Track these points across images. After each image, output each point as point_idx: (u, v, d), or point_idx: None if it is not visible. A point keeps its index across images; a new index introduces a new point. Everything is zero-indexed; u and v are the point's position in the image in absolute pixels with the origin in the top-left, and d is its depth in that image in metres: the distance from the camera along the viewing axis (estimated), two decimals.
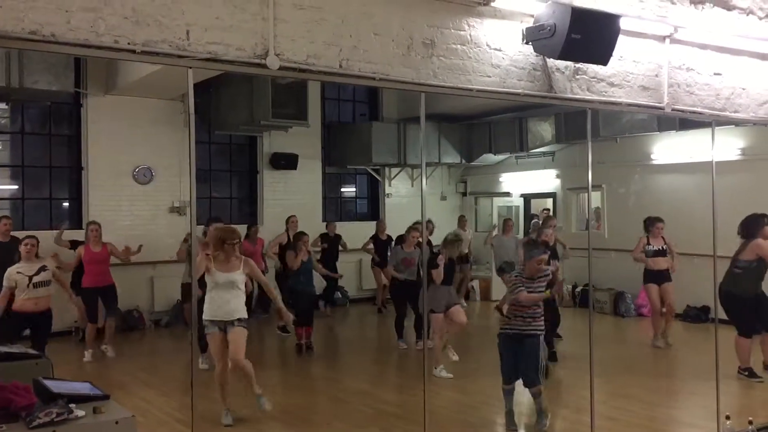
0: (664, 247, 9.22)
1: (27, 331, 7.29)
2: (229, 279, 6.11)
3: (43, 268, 7.12)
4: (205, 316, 6.13)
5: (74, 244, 9.36)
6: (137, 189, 11.07)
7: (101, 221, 9.06)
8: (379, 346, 10.30)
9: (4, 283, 7.03)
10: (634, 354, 9.20)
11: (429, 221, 10.67)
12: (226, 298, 6.10)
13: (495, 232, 12.49)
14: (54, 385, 3.37)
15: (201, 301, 6.76)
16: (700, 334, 9.82)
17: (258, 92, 10.66)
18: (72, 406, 3.18)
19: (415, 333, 9.13)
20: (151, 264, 10.66)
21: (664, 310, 9.69)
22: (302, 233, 9.24)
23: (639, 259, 9.27)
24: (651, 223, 9.27)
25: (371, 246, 12.04)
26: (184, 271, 8.79)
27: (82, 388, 3.53)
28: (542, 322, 5.94)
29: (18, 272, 7.02)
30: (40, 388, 3.33)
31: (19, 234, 8.32)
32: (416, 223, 10.45)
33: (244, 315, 6.19)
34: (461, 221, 12.73)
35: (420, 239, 9.98)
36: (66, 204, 11.22)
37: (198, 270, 5.98)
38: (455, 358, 8.03)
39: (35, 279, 7.02)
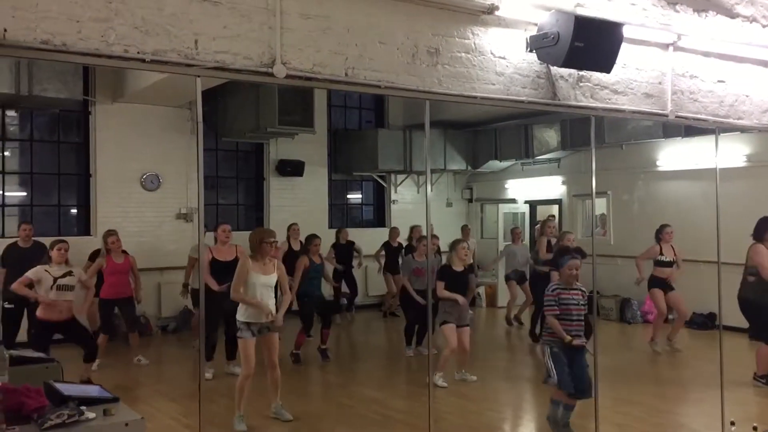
0: (674, 258, 9.24)
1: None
2: (266, 282, 6.21)
3: (69, 273, 7.03)
4: (240, 318, 6.19)
5: (93, 256, 9.31)
6: (145, 195, 11.15)
7: (109, 228, 8.98)
8: (385, 353, 10.32)
9: (28, 274, 6.96)
10: (640, 360, 9.20)
11: (435, 236, 10.69)
12: (264, 301, 6.17)
13: (500, 256, 12.40)
14: (64, 388, 3.43)
15: (215, 306, 6.81)
16: (705, 340, 9.82)
17: (264, 99, 10.73)
18: (83, 408, 3.23)
19: (417, 338, 9.19)
20: (159, 270, 10.73)
21: (671, 317, 9.71)
22: (315, 236, 9.06)
23: (639, 264, 9.29)
24: (661, 230, 9.28)
25: (383, 253, 12.09)
26: (192, 277, 8.78)
27: (92, 390, 3.59)
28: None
29: (45, 270, 6.94)
30: (50, 391, 3.39)
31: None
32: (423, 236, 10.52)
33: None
34: (464, 231, 12.73)
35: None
36: (74, 211, 11.31)
37: (240, 274, 6.13)
38: (474, 378, 7.90)
39: (60, 281, 6.91)
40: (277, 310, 6.27)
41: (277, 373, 6.34)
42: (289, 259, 9.24)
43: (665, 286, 9.14)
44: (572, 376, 5.53)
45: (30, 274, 6.94)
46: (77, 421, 3.15)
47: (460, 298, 7.56)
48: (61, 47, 3.62)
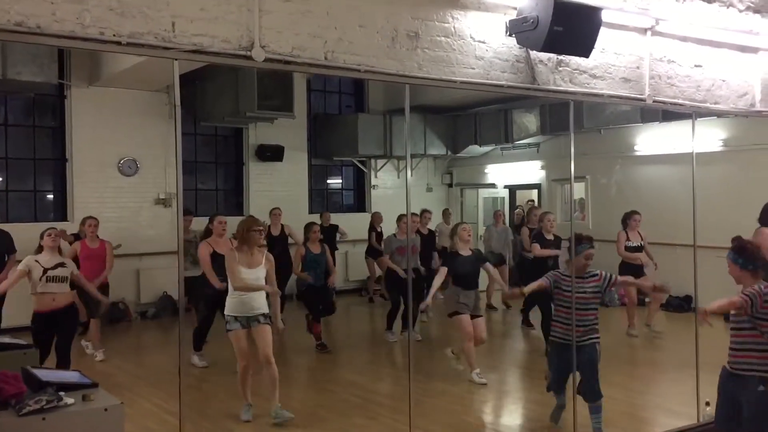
0: (642, 243, 9.33)
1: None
2: (254, 275, 6.01)
3: (61, 264, 6.62)
4: (227, 312, 6.06)
5: (76, 238, 9.04)
6: (122, 181, 11.05)
7: (86, 213, 8.88)
8: (369, 337, 10.34)
9: (19, 266, 6.56)
10: (617, 343, 9.30)
11: (427, 210, 10.69)
12: (251, 294, 6.01)
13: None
14: (43, 374, 3.41)
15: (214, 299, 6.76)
16: (681, 323, 9.95)
17: (243, 84, 10.66)
18: (61, 393, 3.21)
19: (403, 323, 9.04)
20: (137, 256, 10.66)
21: (647, 299, 9.83)
22: (313, 223, 8.85)
23: (625, 256, 9.25)
24: (628, 217, 9.35)
25: (373, 238, 12.01)
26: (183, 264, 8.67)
27: (71, 376, 3.57)
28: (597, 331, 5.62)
29: (36, 260, 6.52)
30: (29, 377, 3.36)
31: (4, 227, 8.28)
32: (425, 210, 10.46)
33: (267, 310, 6.11)
34: (445, 214, 12.80)
35: (419, 226, 9.96)
36: (50, 196, 11.18)
37: (230, 269, 5.94)
38: (461, 368, 7.47)
39: (50, 273, 6.48)
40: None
41: (273, 369, 5.98)
42: (270, 245, 9.06)
43: (636, 270, 9.21)
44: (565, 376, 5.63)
45: (21, 266, 6.53)
46: (56, 407, 3.14)
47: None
48: (36, 29, 3.55)
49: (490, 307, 11.20)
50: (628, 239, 9.30)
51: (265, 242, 6.25)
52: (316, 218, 11.81)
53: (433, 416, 6.20)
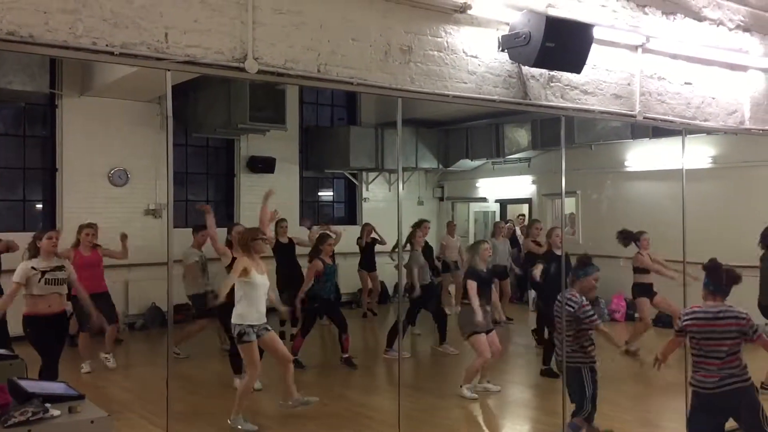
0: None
1: None
2: (265, 281, 6.13)
3: (59, 268, 6.43)
4: (244, 322, 5.99)
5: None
6: (112, 191, 10.99)
7: (76, 224, 8.75)
8: (364, 351, 10.23)
9: (14, 278, 6.26)
10: (607, 358, 9.28)
11: (426, 221, 10.47)
12: (262, 301, 6.11)
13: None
14: (29, 385, 3.36)
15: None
16: (670, 337, 9.95)
17: (236, 95, 10.65)
18: (47, 405, 3.17)
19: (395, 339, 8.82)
20: (126, 267, 10.57)
21: (637, 315, 9.76)
22: (327, 235, 8.68)
23: (655, 269, 8.73)
24: (637, 237, 8.86)
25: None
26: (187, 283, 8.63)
27: (58, 388, 3.52)
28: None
29: (32, 267, 6.29)
30: (14, 388, 3.32)
31: None
32: (425, 221, 10.28)
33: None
34: (449, 227, 12.70)
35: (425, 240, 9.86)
36: (39, 206, 11.11)
37: (237, 271, 5.93)
38: (497, 389, 7.46)
39: (49, 275, 6.27)
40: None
41: (290, 366, 6.29)
42: (281, 253, 9.55)
43: (647, 290, 8.92)
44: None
45: (17, 278, 6.26)
46: (42, 418, 3.10)
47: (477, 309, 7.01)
48: (28, 39, 3.55)
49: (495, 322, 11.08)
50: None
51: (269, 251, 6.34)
52: (305, 231, 11.81)
53: (423, 429, 6.17)
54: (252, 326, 5.99)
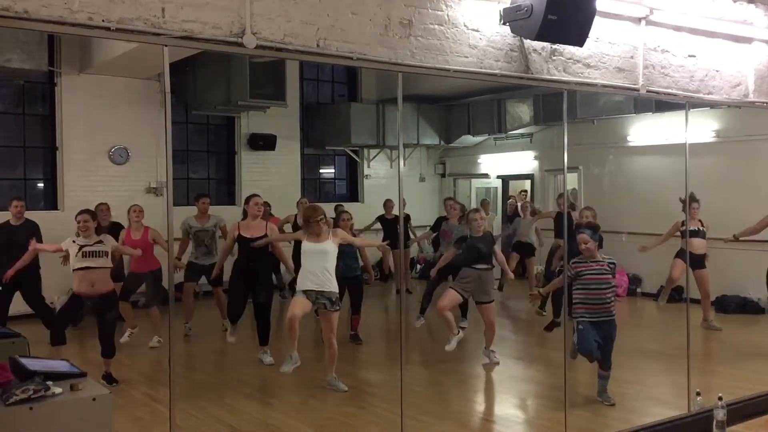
0: (701, 228, 8.69)
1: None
2: (318, 248, 6.38)
3: (99, 242, 6.57)
4: (299, 288, 6.40)
5: (114, 227, 8.63)
6: (113, 169, 10.96)
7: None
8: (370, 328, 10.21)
9: (62, 245, 6.59)
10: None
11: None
12: (315, 270, 6.36)
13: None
14: (30, 363, 3.37)
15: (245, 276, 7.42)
16: (672, 313, 9.96)
17: (235, 72, 10.58)
18: (49, 383, 3.18)
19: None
20: None
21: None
22: (344, 211, 8.57)
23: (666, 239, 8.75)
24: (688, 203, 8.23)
25: (380, 227, 11.34)
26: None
27: (59, 365, 3.53)
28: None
29: (73, 241, 6.53)
30: (16, 366, 3.33)
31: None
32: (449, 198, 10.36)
33: (335, 290, 6.45)
34: (484, 204, 12.26)
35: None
36: (40, 185, 11.10)
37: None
38: (498, 361, 7.51)
39: (87, 248, 6.45)
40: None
41: (334, 349, 6.53)
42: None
43: (694, 263, 8.36)
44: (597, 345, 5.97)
45: (62, 244, 6.58)
46: (43, 396, 3.11)
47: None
48: (23, 14, 3.50)
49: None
50: (682, 225, 8.29)
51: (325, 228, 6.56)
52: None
53: (425, 406, 6.19)
54: (305, 292, 6.33)
